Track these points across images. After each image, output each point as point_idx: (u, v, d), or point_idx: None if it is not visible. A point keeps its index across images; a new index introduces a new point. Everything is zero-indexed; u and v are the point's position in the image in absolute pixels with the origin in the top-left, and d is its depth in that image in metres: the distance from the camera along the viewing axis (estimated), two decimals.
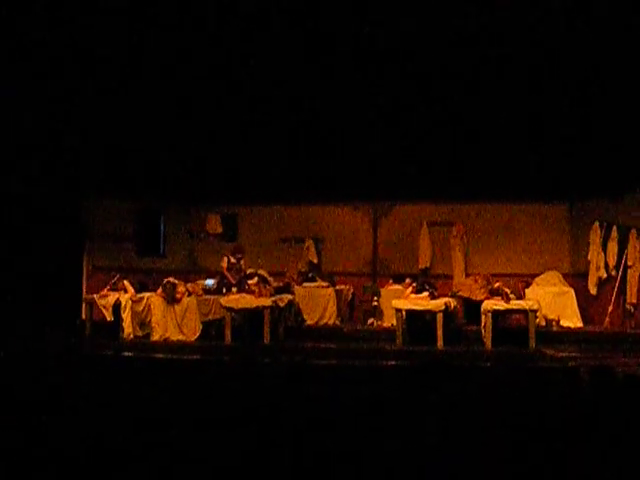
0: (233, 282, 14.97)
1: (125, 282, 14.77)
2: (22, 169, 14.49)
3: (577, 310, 15.28)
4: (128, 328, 14.20)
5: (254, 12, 11.81)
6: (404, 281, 15.45)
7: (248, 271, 15.41)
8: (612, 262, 15.19)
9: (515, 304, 13.68)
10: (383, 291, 15.78)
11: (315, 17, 11.88)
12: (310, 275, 16.84)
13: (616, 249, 15.11)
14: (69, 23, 11.88)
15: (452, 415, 5.10)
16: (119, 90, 13.79)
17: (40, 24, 11.91)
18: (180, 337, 14.24)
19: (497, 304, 13.62)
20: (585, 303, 15.79)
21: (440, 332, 13.51)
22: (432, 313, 13.77)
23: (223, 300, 14.26)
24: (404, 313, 13.96)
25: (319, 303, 15.84)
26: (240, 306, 14.20)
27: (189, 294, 14.58)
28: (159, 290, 14.52)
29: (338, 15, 11.81)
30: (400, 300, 14.20)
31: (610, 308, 15.12)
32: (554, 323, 14.82)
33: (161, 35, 12.42)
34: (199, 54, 13.03)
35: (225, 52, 13.02)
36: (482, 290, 14.39)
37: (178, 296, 14.36)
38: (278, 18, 11.87)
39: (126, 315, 14.25)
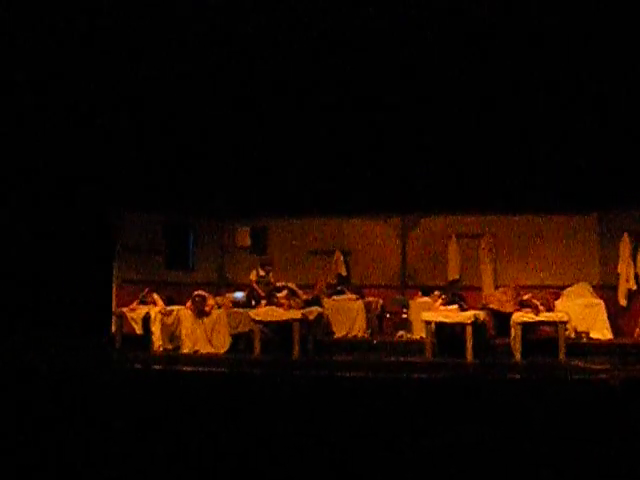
0: (262, 295, 14.99)
1: (154, 295, 14.85)
2: (54, 183, 14.64)
3: (607, 322, 15.14)
4: (158, 341, 14.28)
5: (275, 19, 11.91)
6: (433, 293, 15.45)
7: (277, 284, 15.42)
8: None
9: (545, 316, 13.60)
10: (412, 303, 15.76)
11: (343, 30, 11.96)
12: (339, 288, 16.79)
13: None
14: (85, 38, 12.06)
15: (484, 427, 5.10)
16: (149, 103, 13.92)
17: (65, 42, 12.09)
18: (210, 350, 14.27)
19: (526, 316, 13.55)
20: (615, 315, 15.66)
21: (469, 344, 13.43)
22: (461, 325, 13.72)
23: (252, 313, 14.28)
24: (433, 325, 13.91)
25: (348, 316, 15.77)
26: (269, 319, 14.22)
27: (218, 307, 14.64)
28: (188, 303, 14.57)
29: (358, 28, 11.89)
30: (429, 312, 14.16)
31: None
32: (584, 335, 14.73)
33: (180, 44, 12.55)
34: (225, 70, 13.15)
35: (251, 64, 13.13)
36: (511, 302, 14.32)
37: (207, 309, 14.41)
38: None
39: (156, 328, 14.32)
